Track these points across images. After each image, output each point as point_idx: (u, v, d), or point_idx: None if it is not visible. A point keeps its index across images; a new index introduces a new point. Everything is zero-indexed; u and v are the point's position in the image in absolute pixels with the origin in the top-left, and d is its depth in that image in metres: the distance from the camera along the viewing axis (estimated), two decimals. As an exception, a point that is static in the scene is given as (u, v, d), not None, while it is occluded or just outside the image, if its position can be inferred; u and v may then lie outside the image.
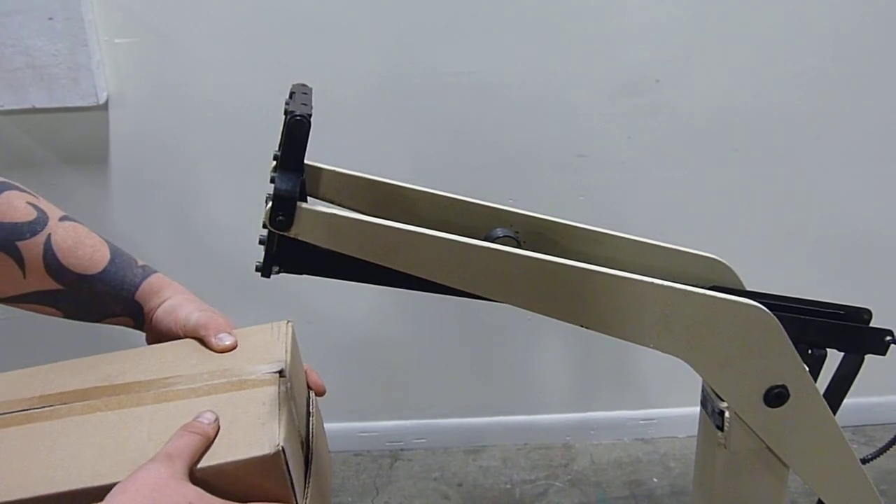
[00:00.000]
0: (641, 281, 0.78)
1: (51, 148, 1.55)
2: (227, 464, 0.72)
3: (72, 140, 1.55)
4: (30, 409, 0.80)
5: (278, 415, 0.76)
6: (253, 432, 0.75)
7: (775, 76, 1.56)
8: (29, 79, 1.45)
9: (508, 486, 1.78)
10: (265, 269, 0.75)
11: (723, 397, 0.86)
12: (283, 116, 0.69)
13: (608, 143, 1.60)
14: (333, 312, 1.73)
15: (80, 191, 1.59)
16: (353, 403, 1.83)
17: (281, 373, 0.82)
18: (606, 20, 1.50)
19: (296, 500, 0.76)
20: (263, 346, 0.87)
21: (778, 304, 0.88)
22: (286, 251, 0.75)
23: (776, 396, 0.82)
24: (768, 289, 0.92)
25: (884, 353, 0.90)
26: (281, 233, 0.71)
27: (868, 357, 0.92)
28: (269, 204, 0.69)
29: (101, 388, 0.83)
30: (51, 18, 1.41)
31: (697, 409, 0.95)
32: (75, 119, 1.53)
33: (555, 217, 0.92)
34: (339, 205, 0.87)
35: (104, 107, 1.51)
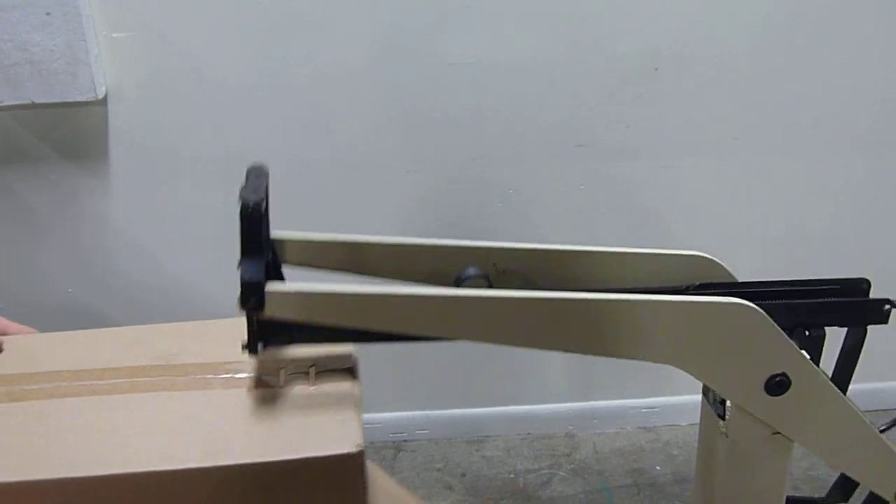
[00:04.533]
0: (616, 300, 0.78)
1: (50, 143, 1.55)
2: (307, 459, 0.71)
3: (71, 135, 1.55)
4: (90, 382, 0.79)
5: (355, 412, 0.75)
6: (332, 429, 0.73)
7: (773, 63, 1.56)
8: (27, 74, 1.44)
9: (512, 476, 1.78)
10: (251, 348, 0.77)
11: (723, 395, 0.86)
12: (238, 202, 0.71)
13: (607, 132, 1.60)
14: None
15: (79, 186, 1.59)
16: (355, 395, 1.84)
17: (351, 370, 0.81)
18: (604, 9, 1.50)
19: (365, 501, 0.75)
20: None
21: (769, 292, 0.87)
22: (267, 328, 0.77)
23: (777, 385, 0.82)
24: (770, 275, 0.92)
25: (885, 322, 0.90)
26: (255, 315, 0.74)
27: (870, 345, 0.91)
28: (239, 291, 0.72)
29: (160, 366, 0.81)
30: (48, 13, 1.40)
31: (699, 396, 0.95)
32: (74, 114, 1.53)
33: (526, 244, 0.91)
34: (313, 268, 0.88)
35: (103, 101, 1.51)
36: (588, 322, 0.78)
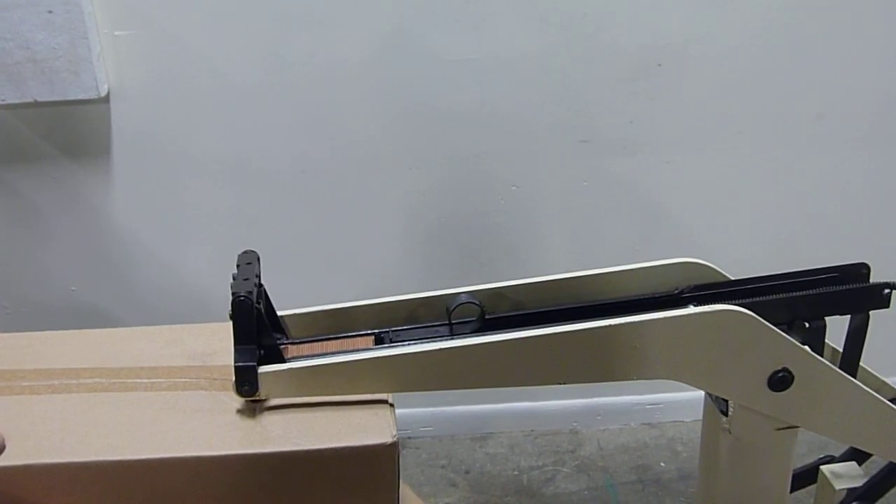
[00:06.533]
0: (601, 326, 0.78)
1: (52, 141, 1.55)
2: (345, 448, 0.72)
3: (73, 133, 1.55)
4: (129, 380, 0.81)
5: (388, 405, 0.77)
6: (367, 420, 0.75)
7: (777, 58, 1.55)
8: (29, 72, 1.44)
9: (516, 473, 1.78)
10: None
11: (725, 398, 0.86)
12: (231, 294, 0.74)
13: (610, 128, 1.59)
14: (339, 301, 1.73)
15: (82, 184, 1.59)
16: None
17: None
18: (607, 4, 1.49)
19: (397, 495, 0.76)
20: None
21: (766, 288, 0.87)
22: None
23: (780, 381, 0.82)
24: (774, 269, 0.92)
25: (886, 306, 0.90)
26: (251, 399, 0.77)
27: (874, 341, 0.91)
28: (234, 377, 0.76)
29: (196, 367, 0.83)
30: (50, 11, 1.40)
31: (703, 393, 0.95)
32: (76, 112, 1.53)
33: (511, 281, 0.91)
34: (314, 338, 0.90)
35: (105, 99, 1.51)
36: (578, 352, 0.79)
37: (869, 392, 0.87)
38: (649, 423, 1.90)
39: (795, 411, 0.85)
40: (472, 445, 1.87)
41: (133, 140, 1.56)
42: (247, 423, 0.75)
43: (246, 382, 0.76)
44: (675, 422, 1.90)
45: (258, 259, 0.83)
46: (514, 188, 1.63)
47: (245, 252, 0.84)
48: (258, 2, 1.46)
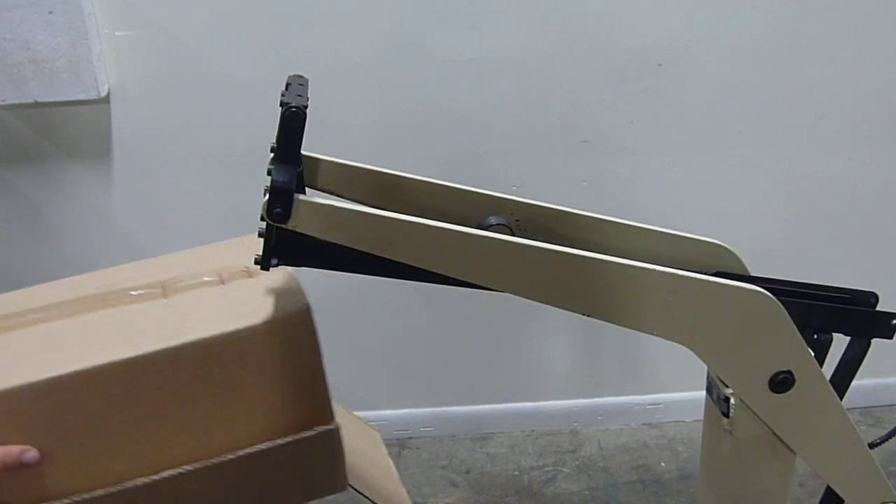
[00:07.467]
0: (640, 267, 0.77)
1: (53, 141, 1.55)
2: (260, 325, 0.73)
3: (74, 133, 1.55)
4: (47, 313, 0.82)
5: (296, 284, 0.78)
6: (279, 299, 0.76)
7: (778, 58, 1.55)
8: (30, 73, 1.44)
9: (516, 473, 1.78)
10: (264, 262, 0.74)
11: (727, 384, 0.86)
12: (279, 108, 0.69)
13: (611, 128, 1.59)
14: (340, 301, 1.73)
15: (82, 184, 1.59)
16: (360, 392, 1.84)
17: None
18: (607, 5, 1.49)
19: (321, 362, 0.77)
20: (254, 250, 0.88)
21: (782, 290, 0.87)
22: (285, 243, 0.74)
23: (781, 382, 0.82)
24: (773, 272, 0.92)
25: (890, 337, 0.90)
26: (279, 225, 0.70)
27: (875, 340, 0.91)
28: (266, 196, 0.69)
29: (100, 294, 0.85)
30: (51, 12, 1.41)
31: (704, 393, 0.95)
32: (77, 112, 1.53)
33: (553, 204, 0.91)
34: (337, 195, 0.86)
35: (106, 99, 1.51)
36: (608, 286, 0.77)
37: (851, 423, 0.87)
38: (650, 424, 1.90)
39: (784, 419, 0.85)
40: (472, 445, 1.87)
41: (133, 140, 1.56)
42: (161, 324, 0.75)
43: (279, 205, 0.68)
44: (676, 422, 1.90)
45: (308, 84, 0.78)
46: (514, 188, 1.63)
47: (296, 75, 0.78)
48: (259, 2, 1.46)
